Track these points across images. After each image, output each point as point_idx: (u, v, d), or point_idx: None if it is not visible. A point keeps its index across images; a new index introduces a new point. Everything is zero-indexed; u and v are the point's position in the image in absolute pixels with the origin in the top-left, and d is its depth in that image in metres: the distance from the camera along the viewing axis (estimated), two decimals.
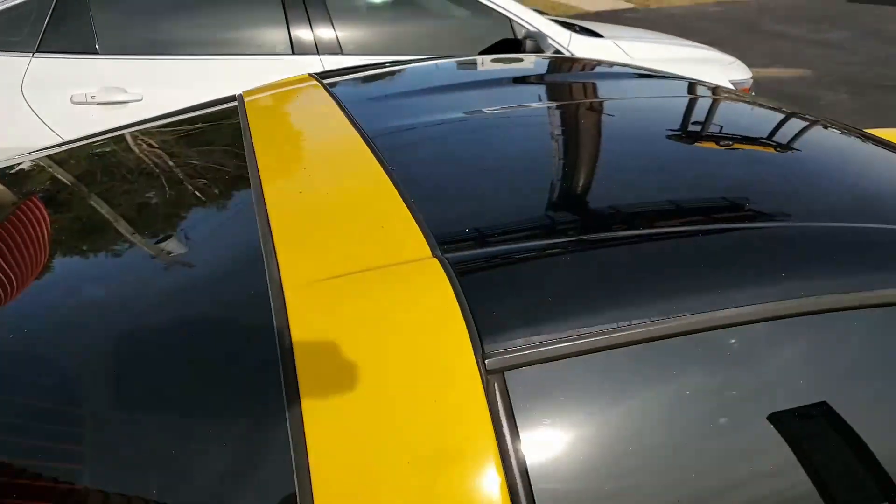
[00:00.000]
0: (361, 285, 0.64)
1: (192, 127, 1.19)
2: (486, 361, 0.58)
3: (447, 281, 0.62)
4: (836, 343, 0.62)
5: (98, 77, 2.62)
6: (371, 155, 0.88)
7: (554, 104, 1.10)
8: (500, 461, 0.54)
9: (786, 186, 0.79)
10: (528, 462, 0.55)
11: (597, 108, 1.07)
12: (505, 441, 0.55)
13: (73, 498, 0.52)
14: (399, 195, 0.76)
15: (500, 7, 3.08)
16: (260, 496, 0.54)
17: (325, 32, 2.88)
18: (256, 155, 0.90)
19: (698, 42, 3.82)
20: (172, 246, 0.76)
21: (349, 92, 1.18)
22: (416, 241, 0.68)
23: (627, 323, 0.58)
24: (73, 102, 2.60)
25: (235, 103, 1.25)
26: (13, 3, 2.58)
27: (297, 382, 0.56)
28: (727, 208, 0.72)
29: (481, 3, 3.06)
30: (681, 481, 0.58)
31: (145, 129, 1.22)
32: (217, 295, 0.68)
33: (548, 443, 0.57)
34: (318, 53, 2.87)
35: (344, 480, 0.53)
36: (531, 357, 0.57)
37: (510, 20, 3.09)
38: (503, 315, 0.59)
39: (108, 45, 2.66)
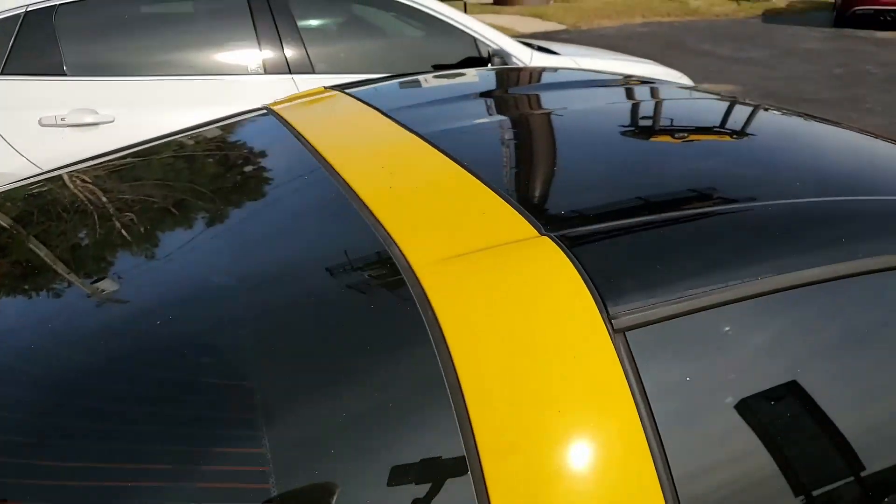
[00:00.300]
0: (485, 262, 0.68)
1: (232, 136, 1.20)
2: (613, 322, 0.63)
3: (562, 254, 0.67)
4: None
5: (67, 99, 2.57)
6: (436, 151, 0.92)
7: (589, 102, 1.19)
8: (633, 408, 0.60)
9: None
10: (656, 409, 0.61)
11: (633, 107, 1.16)
12: (634, 389, 0.61)
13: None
14: (483, 184, 0.81)
15: (466, 27, 3.18)
16: (425, 450, 0.57)
17: (297, 52, 2.90)
18: (326, 157, 0.94)
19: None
20: (287, 243, 0.79)
21: (380, 101, 1.23)
22: (518, 223, 0.73)
23: (724, 284, 0.65)
24: (43, 125, 2.53)
25: (265, 113, 1.27)
26: None
27: (448, 350, 0.60)
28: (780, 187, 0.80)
29: (448, 23, 3.15)
30: (803, 428, 0.65)
31: (187, 137, 1.23)
32: (351, 280, 0.71)
33: (672, 392, 0.63)
34: (290, 73, 2.89)
35: (504, 430, 0.57)
36: (649, 317, 0.63)
37: (475, 39, 3.19)
38: (617, 280, 0.65)
39: (75, 66, 2.60)
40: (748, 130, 1.05)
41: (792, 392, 0.67)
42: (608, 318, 0.63)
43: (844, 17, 12.26)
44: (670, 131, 0.98)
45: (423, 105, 1.18)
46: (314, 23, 3.07)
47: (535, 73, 1.39)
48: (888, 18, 12.04)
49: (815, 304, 0.70)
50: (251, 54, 2.85)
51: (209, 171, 1.06)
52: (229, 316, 0.69)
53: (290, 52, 2.89)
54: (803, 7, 15.56)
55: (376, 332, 0.65)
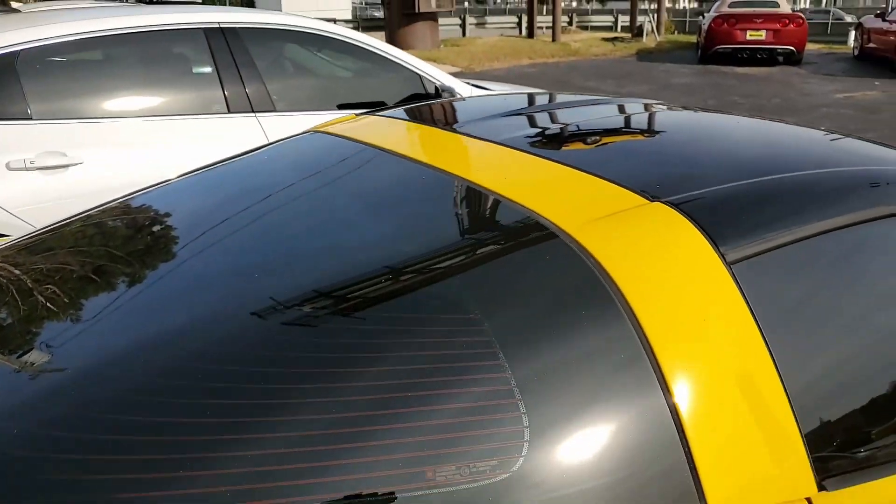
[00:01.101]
0: (620, 222, 0.88)
1: (323, 153, 1.33)
2: (726, 257, 0.85)
3: (676, 212, 0.89)
4: None
5: (34, 142, 2.55)
6: (518, 151, 1.12)
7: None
8: (751, 318, 0.82)
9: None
10: (759, 316, 0.83)
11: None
12: (751, 308, 0.83)
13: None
14: (581, 171, 1.02)
15: (412, 66, 3.41)
16: (622, 392, 0.76)
17: (258, 93, 3.01)
18: (429, 161, 1.11)
19: None
20: (449, 227, 0.95)
21: (426, 119, 1.41)
22: (628, 196, 0.93)
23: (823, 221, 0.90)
24: (11, 168, 2.50)
25: (322, 134, 1.42)
26: None
27: (618, 288, 0.79)
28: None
29: (395, 62, 3.37)
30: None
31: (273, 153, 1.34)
32: (518, 244, 0.89)
33: (768, 303, 0.86)
34: (253, 112, 2.99)
35: (681, 338, 0.78)
36: (754, 250, 0.86)
37: (420, 76, 3.43)
38: (724, 228, 0.88)
39: (41, 110, 2.60)
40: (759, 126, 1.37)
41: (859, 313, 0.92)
42: (721, 255, 0.85)
43: (707, 55, 13.62)
44: (699, 127, 1.25)
45: (474, 121, 1.37)
46: (274, 65, 3.20)
47: (514, 99, 1.62)
48: (744, 55, 13.51)
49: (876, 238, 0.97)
50: (215, 95, 2.94)
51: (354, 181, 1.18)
52: (443, 274, 0.85)
53: (252, 93, 3.00)
54: (670, 47, 17.11)
55: (552, 281, 0.83)
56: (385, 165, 1.18)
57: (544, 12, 24.33)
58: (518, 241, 0.89)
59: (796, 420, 0.81)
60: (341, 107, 3.18)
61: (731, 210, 0.92)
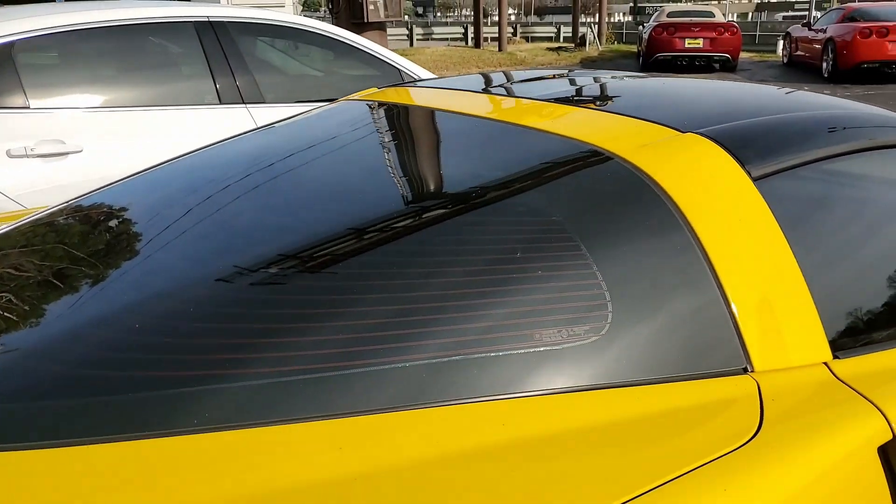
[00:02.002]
0: (663, 147, 1.04)
1: (376, 114, 1.46)
2: (752, 174, 1.03)
3: (707, 140, 1.06)
4: None
5: (33, 131, 2.59)
6: (552, 102, 1.28)
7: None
8: (774, 220, 1.00)
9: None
10: (782, 223, 1.01)
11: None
12: (772, 210, 1.01)
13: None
14: (613, 113, 1.18)
15: (392, 61, 3.56)
16: (677, 273, 0.92)
17: (248, 84, 3.11)
18: (480, 114, 1.26)
19: None
20: (509, 161, 1.10)
21: (456, 85, 1.56)
22: (662, 130, 1.10)
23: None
24: (11, 156, 2.53)
25: (344, 104, 1.55)
26: None
27: (672, 198, 0.96)
28: None
29: (377, 57, 3.52)
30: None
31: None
32: (579, 165, 1.04)
33: (796, 212, 1.04)
34: (243, 103, 3.08)
35: (719, 230, 0.95)
36: (775, 168, 1.04)
37: (399, 70, 3.58)
38: (747, 151, 1.05)
39: (38, 99, 2.63)
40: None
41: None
42: (746, 171, 1.03)
43: (649, 63, 14.22)
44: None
45: (501, 85, 1.53)
46: (262, 58, 3.30)
47: (518, 72, 1.79)
48: (683, 63, 14.16)
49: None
50: (207, 87, 3.02)
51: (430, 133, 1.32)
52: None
53: (242, 85, 3.09)
54: (612, 55, 17.73)
55: (614, 191, 0.99)
56: (444, 120, 1.33)
57: (489, 23, 24.79)
58: (584, 163, 1.05)
59: (813, 299, 0.99)
60: (326, 99, 3.29)
61: (750, 138, 1.10)
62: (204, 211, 1.13)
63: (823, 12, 15.19)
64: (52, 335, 0.88)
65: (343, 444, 0.72)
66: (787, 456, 0.80)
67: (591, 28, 21.09)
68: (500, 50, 18.81)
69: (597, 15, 23.07)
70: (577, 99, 1.36)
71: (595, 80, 1.65)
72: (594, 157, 1.05)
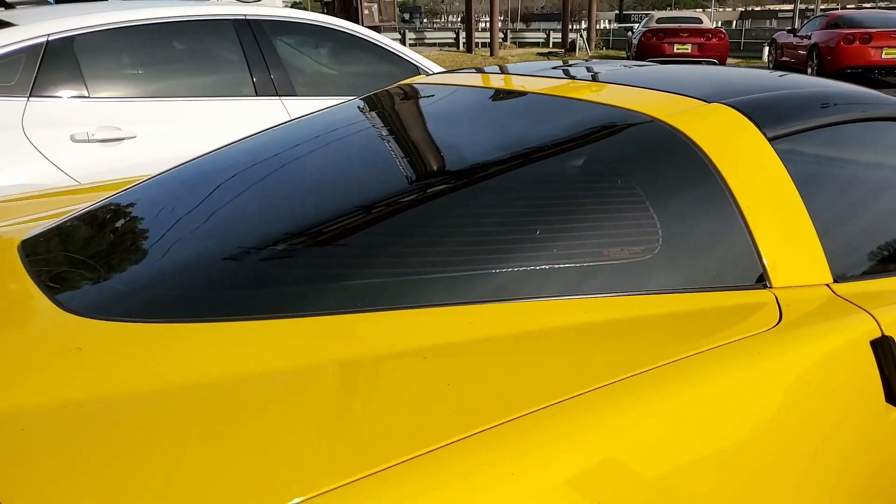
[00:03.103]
0: (696, 113, 1.28)
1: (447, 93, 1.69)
2: (768, 135, 1.27)
3: (729, 108, 1.30)
4: None
5: (92, 117, 2.80)
6: (587, 81, 1.52)
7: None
8: (785, 171, 1.24)
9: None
10: (791, 172, 1.25)
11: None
12: (784, 163, 1.25)
13: None
14: (644, 88, 1.43)
15: (411, 59, 3.81)
16: (708, 205, 1.17)
17: (281, 78, 3.34)
18: (528, 90, 1.50)
19: None
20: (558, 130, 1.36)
21: (494, 71, 1.81)
22: (691, 100, 1.35)
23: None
24: (74, 140, 2.74)
25: (420, 84, 1.79)
26: (3, 52, 2.67)
27: (706, 153, 1.20)
28: None
29: (397, 55, 3.77)
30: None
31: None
32: (629, 126, 1.28)
33: (803, 164, 1.29)
34: (277, 95, 3.31)
35: (744, 176, 1.19)
36: (786, 131, 1.29)
37: (417, 67, 3.82)
38: (762, 117, 1.30)
39: (96, 89, 2.85)
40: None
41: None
42: (763, 133, 1.28)
43: None
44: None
45: (533, 71, 1.77)
46: (293, 54, 3.53)
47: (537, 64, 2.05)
48: None
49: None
50: (244, 80, 3.24)
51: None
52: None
53: (276, 78, 3.32)
54: (597, 57, 18.03)
55: (660, 147, 1.23)
56: (508, 95, 1.57)
57: (479, 29, 25.10)
58: (632, 125, 1.29)
59: (817, 232, 1.24)
60: (352, 92, 3.53)
61: (764, 107, 1.35)
62: (325, 163, 1.37)
63: (807, 20, 15.62)
64: (223, 243, 1.11)
65: (456, 321, 0.95)
66: (802, 338, 1.04)
67: (580, 34, 21.47)
68: (491, 54, 19.11)
69: (583, 22, 23.48)
70: (608, 79, 1.61)
71: (614, 67, 1.90)
72: (639, 121, 1.30)
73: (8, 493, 0.63)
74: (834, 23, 13.14)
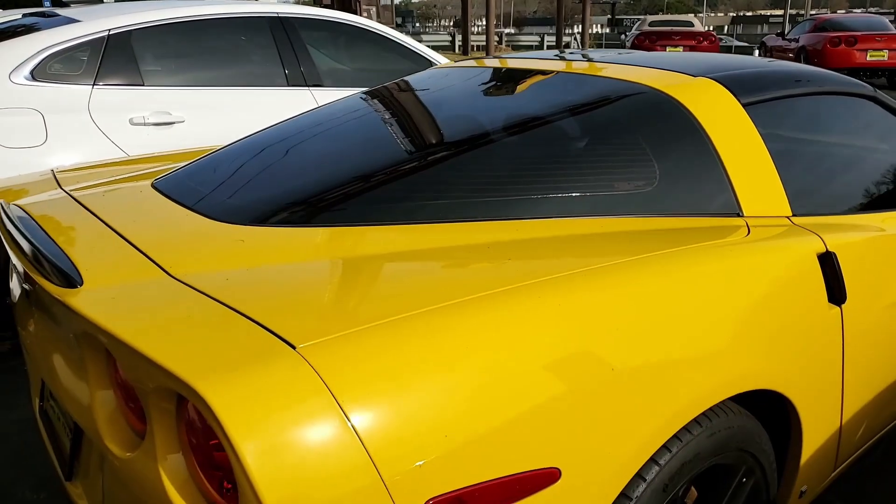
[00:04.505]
0: (688, 84, 1.63)
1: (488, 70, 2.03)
2: (742, 102, 1.61)
3: (712, 80, 1.64)
4: None
5: (147, 103, 3.12)
6: (589, 61, 1.86)
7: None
8: (756, 130, 1.58)
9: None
10: (761, 131, 1.59)
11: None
12: (756, 124, 1.59)
13: None
14: (639, 66, 1.77)
15: (427, 55, 4.15)
16: (697, 155, 1.50)
17: (311, 70, 3.67)
18: (549, 69, 1.84)
19: None
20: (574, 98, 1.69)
21: (511, 58, 2.14)
22: (680, 75, 1.68)
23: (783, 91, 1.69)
24: (133, 124, 3.06)
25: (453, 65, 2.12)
26: (71, 44, 2.99)
27: (694, 115, 1.53)
28: None
29: (414, 51, 4.11)
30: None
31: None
32: (636, 94, 1.63)
33: (770, 125, 1.62)
34: (307, 86, 3.64)
35: (724, 133, 1.53)
36: (757, 99, 1.63)
37: (430, 62, 4.16)
38: (737, 89, 1.64)
39: (150, 78, 3.17)
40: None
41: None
42: (738, 100, 1.61)
43: None
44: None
45: (538, 57, 2.11)
46: (321, 49, 3.86)
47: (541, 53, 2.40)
48: None
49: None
50: (277, 72, 3.57)
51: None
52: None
53: (305, 71, 3.65)
54: None
55: (662, 111, 1.56)
56: (521, 73, 1.90)
57: (474, 32, 25.45)
58: (635, 93, 1.63)
59: (780, 178, 1.57)
60: (373, 83, 3.86)
61: (739, 81, 1.69)
62: (389, 123, 1.71)
63: (797, 25, 16.06)
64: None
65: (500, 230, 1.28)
66: (763, 246, 1.38)
67: (575, 38, 21.87)
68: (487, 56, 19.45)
69: (575, 26, 23.88)
70: (613, 61, 1.94)
71: (614, 53, 2.23)
72: (640, 91, 1.63)
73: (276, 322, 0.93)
74: (821, 26, 13.55)
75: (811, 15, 21.57)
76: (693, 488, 1.39)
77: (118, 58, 3.11)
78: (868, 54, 13.13)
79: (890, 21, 14.56)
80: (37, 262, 1.15)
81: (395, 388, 0.86)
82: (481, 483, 0.88)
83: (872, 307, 1.59)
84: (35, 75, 2.96)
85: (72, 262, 1.11)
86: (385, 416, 0.84)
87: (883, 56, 12.95)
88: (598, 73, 1.81)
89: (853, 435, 1.66)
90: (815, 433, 1.48)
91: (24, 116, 2.88)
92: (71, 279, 1.06)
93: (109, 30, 3.11)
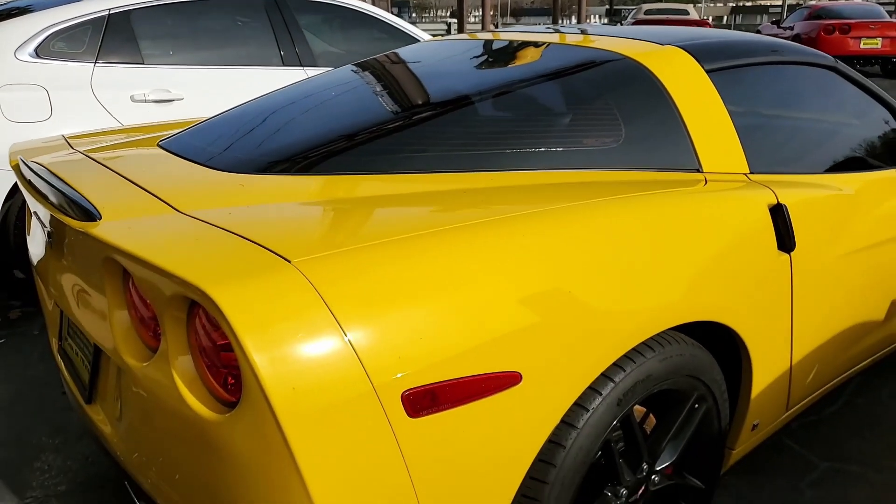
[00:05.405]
0: (656, 52, 1.75)
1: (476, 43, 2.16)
2: (705, 68, 1.74)
3: (678, 48, 1.77)
4: None
5: (147, 81, 3.24)
6: (582, 34, 1.99)
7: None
8: (718, 95, 1.71)
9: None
10: (722, 95, 1.72)
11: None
12: (717, 88, 1.72)
13: None
14: (607, 36, 1.89)
15: (414, 33, 4.26)
16: (660, 117, 1.63)
17: (305, 51, 3.78)
18: (526, 39, 1.96)
19: None
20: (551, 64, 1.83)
21: (487, 33, 2.27)
22: (649, 44, 1.81)
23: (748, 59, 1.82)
24: (134, 101, 3.18)
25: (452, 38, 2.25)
26: (73, 23, 3.11)
27: (661, 81, 1.66)
28: None
29: (406, 33, 4.22)
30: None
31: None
32: (607, 61, 1.75)
33: (731, 89, 1.76)
34: (301, 66, 3.76)
35: (685, 94, 1.66)
36: (719, 66, 1.76)
37: (419, 41, 4.28)
38: (702, 55, 1.77)
39: (150, 57, 3.29)
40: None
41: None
42: (702, 65, 1.74)
43: None
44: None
45: (516, 30, 2.24)
46: (314, 30, 3.97)
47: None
48: None
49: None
50: (272, 52, 3.69)
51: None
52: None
53: (300, 51, 3.76)
54: None
55: (632, 76, 1.69)
56: (505, 43, 2.03)
57: (470, 22, 25.47)
58: (611, 60, 1.75)
59: (740, 140, 1.71)
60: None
61: (703, 49, 1.82)
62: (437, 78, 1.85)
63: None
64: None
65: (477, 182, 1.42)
66: (721, 197, 1.51)
67: None
68: None
69: (572, 17, 23.93)
70: (591, 33, 2.07)
71: (592, 25, 2.36)
72: (615, 58, 1.76)
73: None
74: (816, 14, 13.64)
75: (808, 3, 21.66)
76: (652, 415, 1.54)
77: (119, 37, 3.23)
78: (861, 42, 13.24)
79: (885, 10, 14.66)
80: (58, 203, 1.28)
81: (382, 298, 1.00)
82: (451, 380, 1.01)
83: (823, 257, 1.72)
84: (39, 53, 3.07)
85: (89, 202, 1.25)
86: (374, 326, 0.98)
87: (876, 44, 13.06)
88: (575, 43, 1.94)
89: (804, 377, 1.80)
90: (765, 369, 1.62)
91: (29, 92, 3.00)
92: (91, 214, 1.19)
93: (110, 9, 3.23)
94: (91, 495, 1.87)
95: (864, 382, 2.47)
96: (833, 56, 2.37)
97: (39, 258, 1.62)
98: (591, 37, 2.00)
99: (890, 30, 12.84)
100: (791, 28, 14.13)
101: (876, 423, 2.22)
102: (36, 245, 1.64)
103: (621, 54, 1.78)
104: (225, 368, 1.00)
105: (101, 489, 1.89)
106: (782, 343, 1.65)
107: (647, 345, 1.31)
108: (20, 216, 3.05)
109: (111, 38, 3.21)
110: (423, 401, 0.99)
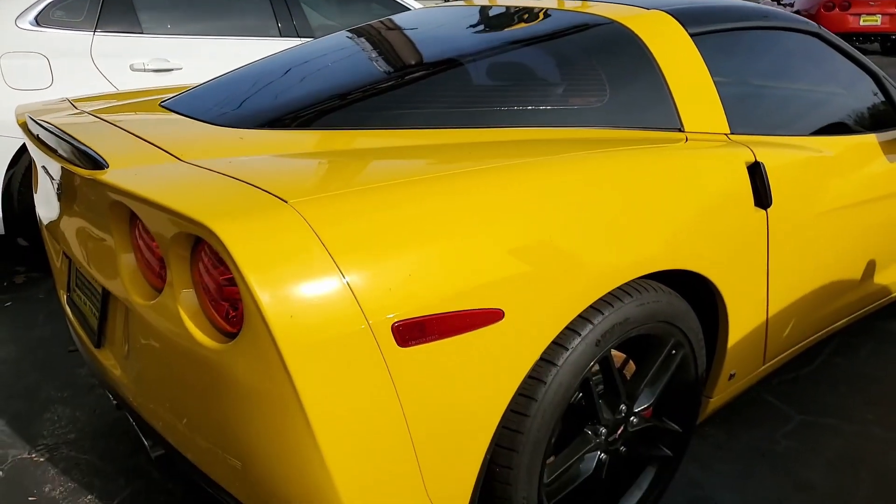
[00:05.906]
0: (641, 15, 1.81)
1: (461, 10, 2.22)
2: (689, 32, 1.80)
3: (663, 12, 1.83)
4: None
5: (146, 50, 3.28)
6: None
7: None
8: (702, 60, 1.77)
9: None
10: (706, 61, 1.78)
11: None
12: (700, 51, 1.78)
13: None
14: (605, 2, 1.95)
15: (414, 7, 4.29)
16: (645, 83, 1.68)
17: (303, 23, 3.82)
18: (510, 4, 2.02)
19: None
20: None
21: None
22: (635, 8, 1.87)
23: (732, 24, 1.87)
24: (133, 70, 3.22)
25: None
26: None
27: (644, 42, 1.72)
28: None
29: (404, 6, 4.25)
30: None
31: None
32: (595, 24, 1.81)
33: (714, 55, 1.81)
34: (298, 36, 3.79)
35: (670, 58, 1.72)
36: (703, 30, 1.81)
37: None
38: (686, 19, 1.82)
39: (149, 27, 3.33)
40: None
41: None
42: (686, 29, 1.80)
43: None
44: None
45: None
46: (313, 3, 4.00)
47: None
48: None
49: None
50: (270, 24, 3.72)
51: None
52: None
53: (298, 23, 3.80)
54: None
55: (618, 37, 1.75)
56: (498, 9, 2.09)
57: None
58: (599, 24, 1.81)
59: (722, 101, 1.77)
60: None
61: (687, 14, 1.87)
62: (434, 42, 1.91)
63: None
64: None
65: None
66: (700, 154, 1.58)
67: None
68: None
69: None
70: None
71: None
72: (603, 22, 1.82)
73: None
74: None
75: None
76: (631, 362, 1.62)
77: (117, 6, 3.26)
78: (861, 19, 13.20)
79: None
80: (67, 155, 1.35)
81: (373, 237, 1.07)
82: (438, 314, 1.09)
83: (800, 214, 1.80)
84: (39, 21, 3.11)
85: (96, 153, 1.31)
86: (367, 262, 1.05)
87: (876, 21, 13.02)
88: (564, 8, 1.99)
89: (780, 331, 1.88)
90: (741, 320, 1.70)
91: (30, 60, 3.05)
92: (98, 163, 1.25)
93: None
94: (99, 442, 1.96)
95: (843, 342, 2.55)
96: (834, 33, 2.42)
97: (48, 212, 1.68)
98: (582, 2, 2.05)
99: (890, 6, 12.79)
100: (791, 5, 14.06)
101: (853, 379, 2.31)
102: (44, 200, 1.71)
103: (609, 18, 1.84)
104: (226, 301, 1.07)
105: (109, 436, 1.98)
106: (758, 296, 1.73)
107: (625, 290, 1.39)
108: (23, 183, 3.11)
109: (110, 8, 3.24)
110: (412, 332, 1.07)
